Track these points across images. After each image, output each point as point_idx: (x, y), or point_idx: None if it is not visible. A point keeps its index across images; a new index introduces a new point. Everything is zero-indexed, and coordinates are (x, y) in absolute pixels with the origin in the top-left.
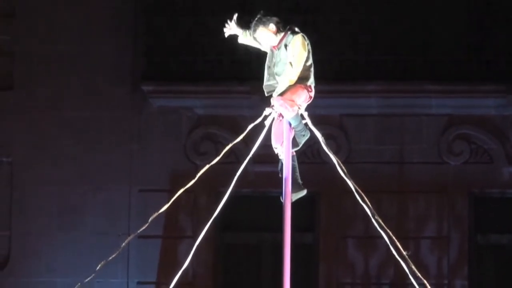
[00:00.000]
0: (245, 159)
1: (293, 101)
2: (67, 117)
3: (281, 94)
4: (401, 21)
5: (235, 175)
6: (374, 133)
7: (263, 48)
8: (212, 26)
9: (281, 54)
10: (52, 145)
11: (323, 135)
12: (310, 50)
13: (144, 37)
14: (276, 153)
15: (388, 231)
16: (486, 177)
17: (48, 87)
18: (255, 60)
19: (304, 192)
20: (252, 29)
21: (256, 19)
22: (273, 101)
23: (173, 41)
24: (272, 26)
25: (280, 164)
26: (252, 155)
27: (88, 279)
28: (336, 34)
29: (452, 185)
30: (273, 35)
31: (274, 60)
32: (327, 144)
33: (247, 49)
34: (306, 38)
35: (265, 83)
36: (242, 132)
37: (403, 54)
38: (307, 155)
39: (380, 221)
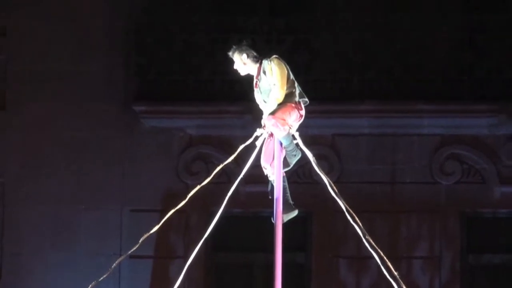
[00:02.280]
0: (236, 179)
1: (284, 120)
2: (59, 136)
3: (272, 113)
4: (394, 40)
5: (226, 195)
6: (366, 153)
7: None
8: (204, 45)
9: (263, 82)
10: (44, 165)
11: (315, 155)
12: (288, 68)
13: (135, 56)
14: (265, 174)
15: (379, 251)
16: (478, 197)
17: (40, 106)
18: (247, 80)
19: (295, 213)
20: (231, 53)
21: (236, 45)
22: (264, 121)
23: (165, 61)
24: (244, 57)
25: (270, 185)
26: (244, 175)
27: None
28: (328, 54)
29: (444, 205)
30: (243, 66)
31: (259, 94)
32: (319, 165)
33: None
34: (280, 58)
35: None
36: (234, 152)
37: (396, 73)
38: (299, 175)
39: (371, 241)
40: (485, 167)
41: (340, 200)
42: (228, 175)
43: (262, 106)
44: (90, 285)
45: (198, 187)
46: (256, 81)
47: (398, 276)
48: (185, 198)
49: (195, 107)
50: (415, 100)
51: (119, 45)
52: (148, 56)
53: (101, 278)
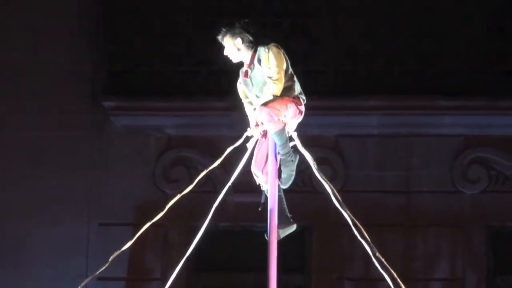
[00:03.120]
0: (223, 187)
1: (279, 110)
2: (17, 137)
3: (265, 104)
4: (408, 26)
5: (212, 206)
6: (376, 157)
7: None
8: (186, 31)
9: (256, 73)
10: None
11: (315, 159)
12: (287, 59)
13: (106, 43)
14: (257, 182)
15: (392, 272)
16: (507, 208)
17: None
18: (235, 72)
19: (293, 228)
20: (220, 36)
21: (228, 27)
22: (256, 117)
23: (139, 49)
24: (239, 41)
25: (263, 196)
26: (232, 182)
27: None
28: (331, 42)
29: (467, 218)
30: (236, 52)
31: (250, 86)
32: (321, 170)
33: (227, 59)
34: (280, 46)
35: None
36: (220, 156)
37: (410, 64)
38: (297, 182)
39: (383, 260)
40: None
41: (345, 211)
42: (213, 182)
43: (252, 100)
44: None
45: (178, 196)
46: (247, 70)
47: None
48: (163, 210)
49: (174, 103)
50: (433, 95)
51: (86, 31)
52: (121, 43)
53: None
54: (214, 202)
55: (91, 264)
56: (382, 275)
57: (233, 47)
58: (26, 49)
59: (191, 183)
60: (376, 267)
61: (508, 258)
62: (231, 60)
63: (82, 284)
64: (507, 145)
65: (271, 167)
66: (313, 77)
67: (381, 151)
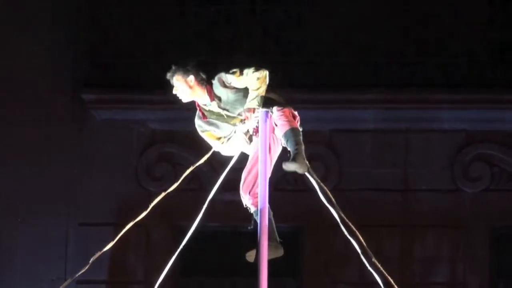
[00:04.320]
0: (211, 185)
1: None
2: None
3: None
4: (406, 15)
5: (198, 205)
6: (372, 153)
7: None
8: (171, 20)
9: (227, 97)
10: None
11: (307, 155)
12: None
13: (86, 33)
14: (244, 205)
15: (389, 277)
16: (511, 208)
17: None
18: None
19: (281, 253)
20: (170, 74)
21: (175, 67)
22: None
23: (121, 39)
24: (191, 78)
25: (253, 221)
26: (222, 180)
27: None
28: (325, 32)
29: (469, 218)
30: (188, 90)
31: (221, 119)
32: (314, 167)
33: (214, 49)
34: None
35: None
36: (207, 152)
37: (409, 55)
38: (289, 180)
39: (379, 265)
40: None
41: (339, 212)
42: (200, 180)
43: (225, 131)
44: None
45: (163, 194)
46: (203, 113)
47: None
48: (146, 209)
49: (158, 96)
50: (432, 87)
51: (66, 20)
52: (102, 33)
53: None
54: (200, 201)
55: (70, 266)
56: (379, 279)
57: (185, 85)
58: (3, 40)
59: (176, 180)
60: (373, 271)
61: (511, 261)
62: (219, 52)
63: (61, 287)
64: (511, 142)
65: (262, 167)
66: (306, 68)
67: (377, 147)
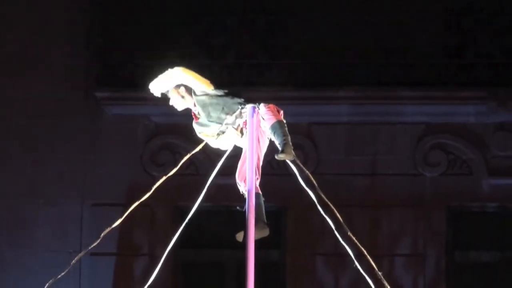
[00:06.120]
0: (205, 170)
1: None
2: (16, 125)
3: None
4: (375, 22)
5: (195, 187)
6: (345, 143)
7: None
8: (172, 27)
9: (201, 102)
10: (0, 156)
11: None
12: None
13: (98, 38)
14: (241, 192)
15: (362, 249)
16: (465, 189)
17: None
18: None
19: (267, 233)
20: (165, 91)
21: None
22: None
23: (130, 45)
24: (182, 89)
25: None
26: (213, 166)
27: None
28: (305, 37)
29: (428, 198)
30: (180, 100)
31: (209, 119)
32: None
33: (209, 52)
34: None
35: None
36: (202, 141)
37: (377, 58)
38: (272, 165)
39: (353, 237)
40: (472, 157)
41: (317, 192)
42: (196, 166)
43: (214, 130)
44: (48, 283)
45: (164, 178)
46: (194, 114)
47: (380, 275)
48: (150, 191)
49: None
50: (397, 86)
51: (82, 26)
52: (112, 39)
53: (60, 276)
54: (196, 184)
55: (85, 241)
56: (351, 251)
57: (177, 96)
58: (27, 44)
59: (176, 166)
60: (345, 244)
61: (465, 235)
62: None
63: (76, 258)
64: (464, 132)
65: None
66: (288, 69)
67: (350, 137)
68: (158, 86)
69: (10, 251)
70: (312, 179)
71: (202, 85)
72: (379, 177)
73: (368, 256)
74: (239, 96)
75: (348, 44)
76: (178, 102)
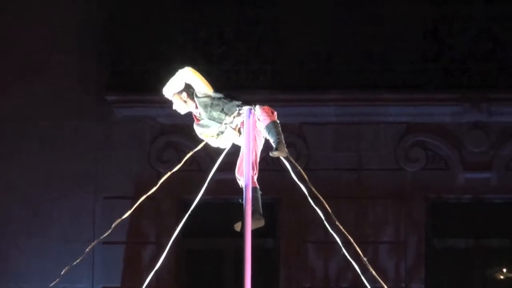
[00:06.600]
0: (207, 166)
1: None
2: (33, 126)
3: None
4: (359, 31)
5: (197, 182)
6: (333, 141)
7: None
8: (175, 36)
9: (203, 103)
10: (19, 154)
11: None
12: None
13: (107, 46)
14: (240, 185)
15: (349, 237)
16: (442, 183)
17: (13, 96)
18: (216, 69)
19: (262, 223)
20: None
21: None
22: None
23: (137, 52)
24: (184, 95)
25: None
26: (213, 163)
27: (53, 283)
28: (295, 45)
29: (409, 191)
30: (183, 104)
31: (207, 116)
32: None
33: (209, 59)
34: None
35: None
36: (203, 140)
37: (362, 63)
38: (268, 161)
39: (340, 226)
40: (449, 154)
41: (308, 185)
42: (198, 162)
43: (214, 129)
44: (63, 271)
45: (169, 173)
46: (195, 116)
47: (366, 260)
48: (156, 185)
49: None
50: (380, 89)
51: (92, 35)
52: (120, 47)
53: (75, 263)
54: (198, 179)
55: (98, 231)
56: (339, 239)
57: (180, 101)
58: (40, 51)
59: (180, 163)
60: (334, 232)
61: (443, 223)
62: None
63: (89, 247)
64: (442, 131)
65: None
66: (281, 74)
67: (337, 136)
68: (170, 88)
69: (29, 241)
70: (304, 174)
71: (205, 87)
72: (364, 172)
73: (355, 244)
74: (237, 99)
75: (334, 51)
76: (181, 107)
